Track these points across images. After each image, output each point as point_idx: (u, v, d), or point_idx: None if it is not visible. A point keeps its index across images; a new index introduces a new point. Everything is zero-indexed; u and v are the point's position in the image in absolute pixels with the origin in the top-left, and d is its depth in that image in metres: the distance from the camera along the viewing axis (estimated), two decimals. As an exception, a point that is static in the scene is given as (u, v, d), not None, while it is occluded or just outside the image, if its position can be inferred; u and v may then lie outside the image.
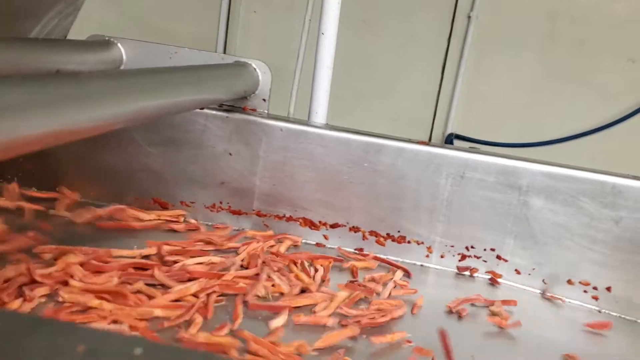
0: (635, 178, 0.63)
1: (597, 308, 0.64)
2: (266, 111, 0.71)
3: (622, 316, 0.64)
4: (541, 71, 1.59)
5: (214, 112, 0.69)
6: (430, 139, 1.63)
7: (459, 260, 0.67)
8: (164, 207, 0.71)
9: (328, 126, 0.70)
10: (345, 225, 0.69)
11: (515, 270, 0.66)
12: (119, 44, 0.71)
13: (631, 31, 1.53)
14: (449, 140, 1.61)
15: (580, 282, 0.65)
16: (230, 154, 0.69)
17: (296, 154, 0.68)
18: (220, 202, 0.70)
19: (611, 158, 1.55)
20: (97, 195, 0.71)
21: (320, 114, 0.81)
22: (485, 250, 0.66)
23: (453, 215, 0.66)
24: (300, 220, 0.69)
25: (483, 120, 1.64)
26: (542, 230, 0.65)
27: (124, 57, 0.71)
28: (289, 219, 0.69)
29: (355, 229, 0.68)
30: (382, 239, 0.68)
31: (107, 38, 0.71)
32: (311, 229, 0.69)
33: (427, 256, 0.67)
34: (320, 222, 0.69)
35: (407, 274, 0.65)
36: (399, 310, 0.55)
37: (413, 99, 1.65)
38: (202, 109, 0.67)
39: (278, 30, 1.57)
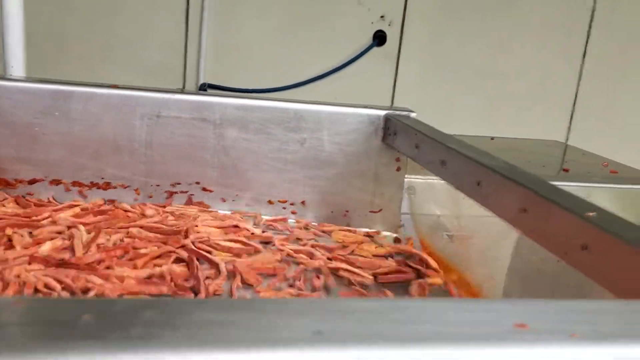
0: (314, 103, 0.71)
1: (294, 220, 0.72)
2: None
3: (317, 224, 0.73)
4: (286, 17, 1.67)
5: None
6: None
7: (167, 198, 0.69)
8: None
9: (9, 77, 0.65)
10: (44, 180, 0.66)
11: (222, 198, 0.71)
12: None
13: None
14: (202, 90, 1.62)
15: (279, 201, 0.72)
16: None
17: (-24, 109, 0.63)
18: None
19: (349, 95, 1.72)
20: None
21: (16, 68, 0.75)
22: (190, 184, 0.70)
23: (154, 155, 0.68)
24: (-8, 180, 0.65)
25: (236, 68, 1.68)
26: (239, 158, 0.70)
27: None
28: (-21, 180, 0.64)
29: (56, 182, 0.66)
30: (85, 189, 0.67)
31: None
32: (8, 188, 0.65)
33: (136, 199, 0.68)
34: (16, 179, 0.65)
35: None
36: None
37: (162, 50, 1.62)
38: None
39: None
